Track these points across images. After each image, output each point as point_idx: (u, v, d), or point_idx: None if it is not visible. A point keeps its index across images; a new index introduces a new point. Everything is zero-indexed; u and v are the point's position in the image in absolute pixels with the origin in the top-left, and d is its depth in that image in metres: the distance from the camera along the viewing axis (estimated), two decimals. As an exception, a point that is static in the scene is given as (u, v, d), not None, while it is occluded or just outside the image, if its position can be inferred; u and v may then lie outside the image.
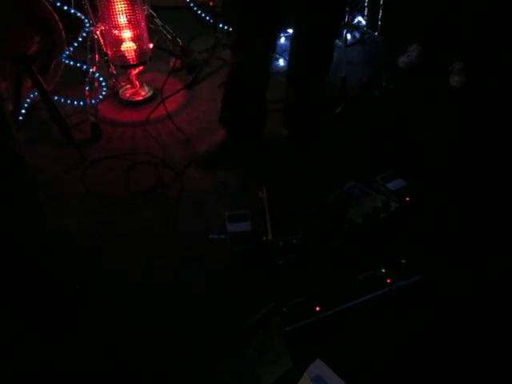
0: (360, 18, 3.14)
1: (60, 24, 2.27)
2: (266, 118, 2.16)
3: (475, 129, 2.33)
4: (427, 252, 1.72)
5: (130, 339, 1.47)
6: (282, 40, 3.04)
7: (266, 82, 2.05)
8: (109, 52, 2.42)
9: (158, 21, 2.74)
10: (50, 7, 2.25)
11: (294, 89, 2.14)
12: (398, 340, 1.47)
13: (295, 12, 1.93)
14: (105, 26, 2.33)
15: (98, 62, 2.45)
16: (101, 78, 2.45)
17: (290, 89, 2.16)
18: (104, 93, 2.47)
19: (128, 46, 2.36)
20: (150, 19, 2.64)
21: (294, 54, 2.09)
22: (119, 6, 2.24)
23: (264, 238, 1.67)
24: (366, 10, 3.09)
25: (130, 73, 2.50)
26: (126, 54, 2.37)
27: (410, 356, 1.42)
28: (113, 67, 2.50)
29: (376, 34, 3.08)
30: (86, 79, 2.41)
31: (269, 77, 2.05)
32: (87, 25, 2.40)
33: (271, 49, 2.02)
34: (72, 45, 2.41)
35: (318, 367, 1.32)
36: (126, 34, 2.33)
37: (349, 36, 3.07)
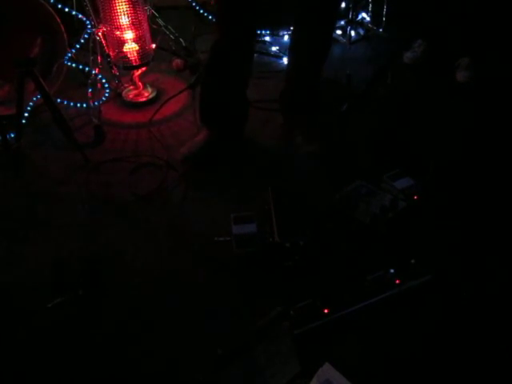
0: (364, 15, 3.11)
1: (62, 26, 2.27)
2: (247, 113, 2.18)
3: (484, 124, 2.29)
4: (436, 251, 1.69)
5: (135, 345, 1.45)
6: (286, 38, 3.03)
7: (248, 73, 2.07)
8: (111, 53, 2.41)
9: (160, 21, 2.73)
10: (51, 9, 2.24)
11: (290, 82, 2.18)
12: (409, 342, 1.44)
13: (295, 11, 1.98)
14: (107, 28, 2.32)
15: (101, 63, 2.44)
16: (103, 80, 2.44)
17: (287, 81, 2.21)
18: (107, 94, 2.46)
19: (130, 47, 2.35)
20: (152, 19, 2.63)
21: (291, 50, 2.15)
22: (121, 7, 2.22)
23: (270, 240, 1.65)
24: (370, 6, 3.06)
25: (133, 74, 2.49)
26: (129, 55, 2.36)
27: (421, 358, 1.39)
28: (115, 68, 2.49)
29: (380, 30, 3.05)
30: (89, 81, 2.40)
31: (250, 71, 2.07)
32: (89, 26, 2.39)
33: (252, 37, 2.04)
34: (74, 47, 2.40)
35: (327, 371, 1.30)
36: (128, 34, 2.32)
37: (353, 33, 3.05)
